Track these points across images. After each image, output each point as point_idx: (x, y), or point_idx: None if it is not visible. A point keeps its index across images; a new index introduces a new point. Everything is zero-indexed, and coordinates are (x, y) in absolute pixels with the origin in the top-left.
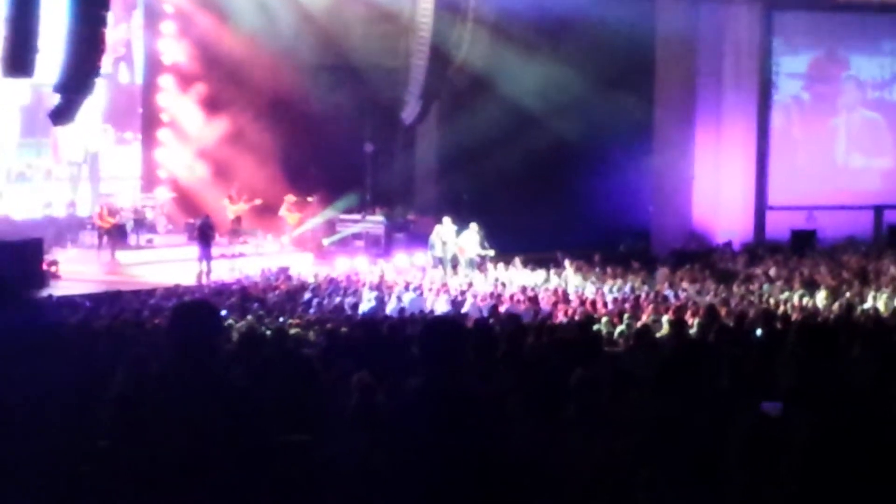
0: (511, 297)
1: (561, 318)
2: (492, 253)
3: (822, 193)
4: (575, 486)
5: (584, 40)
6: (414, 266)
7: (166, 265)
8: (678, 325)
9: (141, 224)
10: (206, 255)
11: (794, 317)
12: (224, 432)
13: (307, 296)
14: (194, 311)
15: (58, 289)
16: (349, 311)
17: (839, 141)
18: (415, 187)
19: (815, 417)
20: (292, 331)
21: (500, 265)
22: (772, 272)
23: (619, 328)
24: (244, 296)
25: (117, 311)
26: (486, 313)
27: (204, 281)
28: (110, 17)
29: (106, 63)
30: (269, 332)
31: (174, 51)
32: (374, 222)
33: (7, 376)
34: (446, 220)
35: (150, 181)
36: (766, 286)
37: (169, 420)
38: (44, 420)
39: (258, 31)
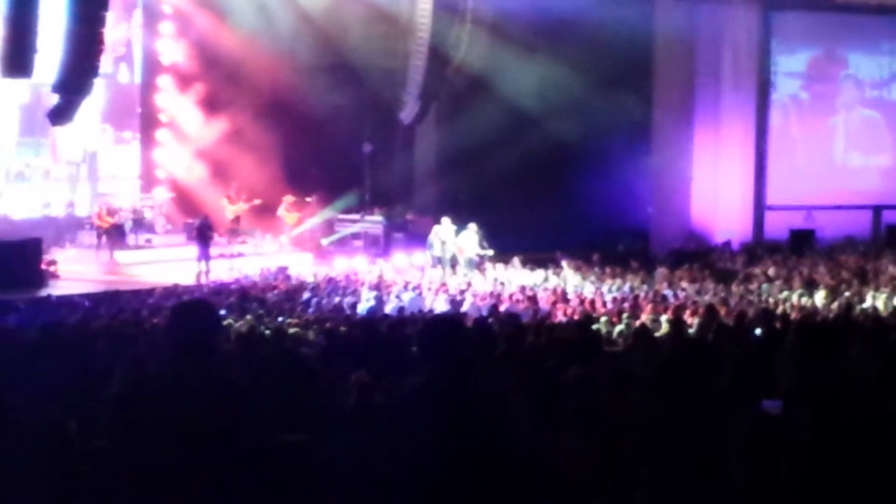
0: (510, 297)
1: (560, 317)
2: (491, 253)
3: (821, 193)
4: (575, 485)
5: (582, 41)
6: (413, 266)
7: (165, 265)
8: (677, 324)
9: (140, 224)
10: (205, 255)
11: (793, 316)
12: (223, 432)
13: (306, 295)
14: (193, 311)
15: (57, 288)
16: (348, 311)
17: (838, 140)
18: (414, 187)
19: (815, 416)
20: (291, 330)
21: (499, 265)
22: (771, 272)
23: (619, 327)
24: (243, 295)
25: (116, 310)
26: (485, 313)
27: (203, 281)
28: (111, 16)
29: (106, 63)
30: (267, 332)
31: (173, 51)
32: (373, 222)
33: (7, 376)
34: (445, 219)
35: (148, 181)
36: (765, 286)
37: (168, 420)
38: (43, 420)
39: (257, 32)
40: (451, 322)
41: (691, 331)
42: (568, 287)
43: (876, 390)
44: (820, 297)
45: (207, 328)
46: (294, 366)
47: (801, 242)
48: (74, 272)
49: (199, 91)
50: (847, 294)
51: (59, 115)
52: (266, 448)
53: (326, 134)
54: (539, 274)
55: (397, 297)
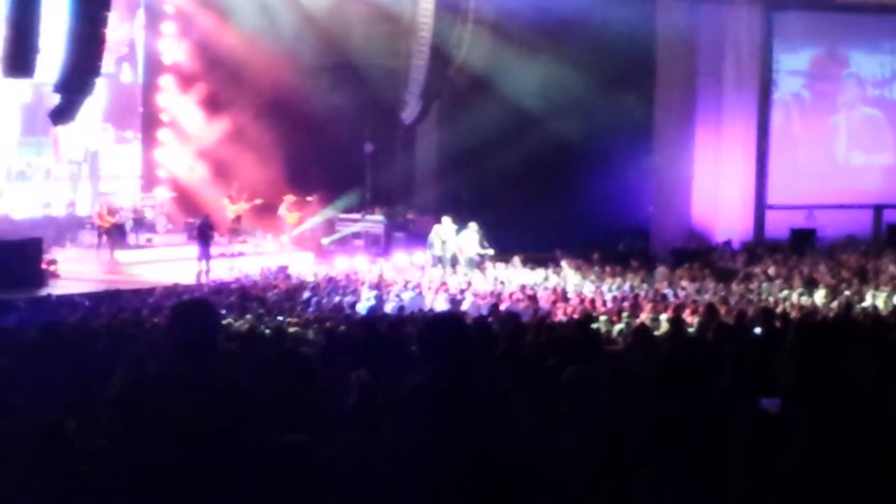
0: (510, 296)
1: (560, 316)
2: (491, 252)
3: (822, 192)
4: (575, 485)
5: (584, 40)
6: (413, 265)
7: (166, 264)
8: (677, 323)
9: (140, 223)
10: (206, 255)
11: (794, 315)
12: (223, 431)
13: (306, 295)
14: (193, 310)
15: (57, 288)
16: (348, 310)
17: (839, 138)
18: (414, 187)
19: (815, 415)
20: (291, 329)
21: (500, 264)
22: (771, 271)
23: (618, 326)
24: (243, 295)
25: (116, 310)
26: (485, 312)
27: (203, 280)
28: (113, 16)
29: (108, 62)
30: (268, 331)
31: (175, 51)
32: (374, 221)
33: (7, 376)
34: (446, 219)
35: (149, 181)
36: (765, 285)
37: (168, 419)
38: (43, 419)
39: (259, 32)
40: (451, 321)
41: (691, 330)
42: (568, 286)
43: (876, 389)
44: (820, 296)
45: (208, 327)
46: (294, 365)
47: (802, 242)
48: (75, 271)
49: (201, 91)
50: (847, 293)
51: (61, 114)
52: (266, 447)
53: (327, 133)
54: (539, 273)
55: (397, 296)
